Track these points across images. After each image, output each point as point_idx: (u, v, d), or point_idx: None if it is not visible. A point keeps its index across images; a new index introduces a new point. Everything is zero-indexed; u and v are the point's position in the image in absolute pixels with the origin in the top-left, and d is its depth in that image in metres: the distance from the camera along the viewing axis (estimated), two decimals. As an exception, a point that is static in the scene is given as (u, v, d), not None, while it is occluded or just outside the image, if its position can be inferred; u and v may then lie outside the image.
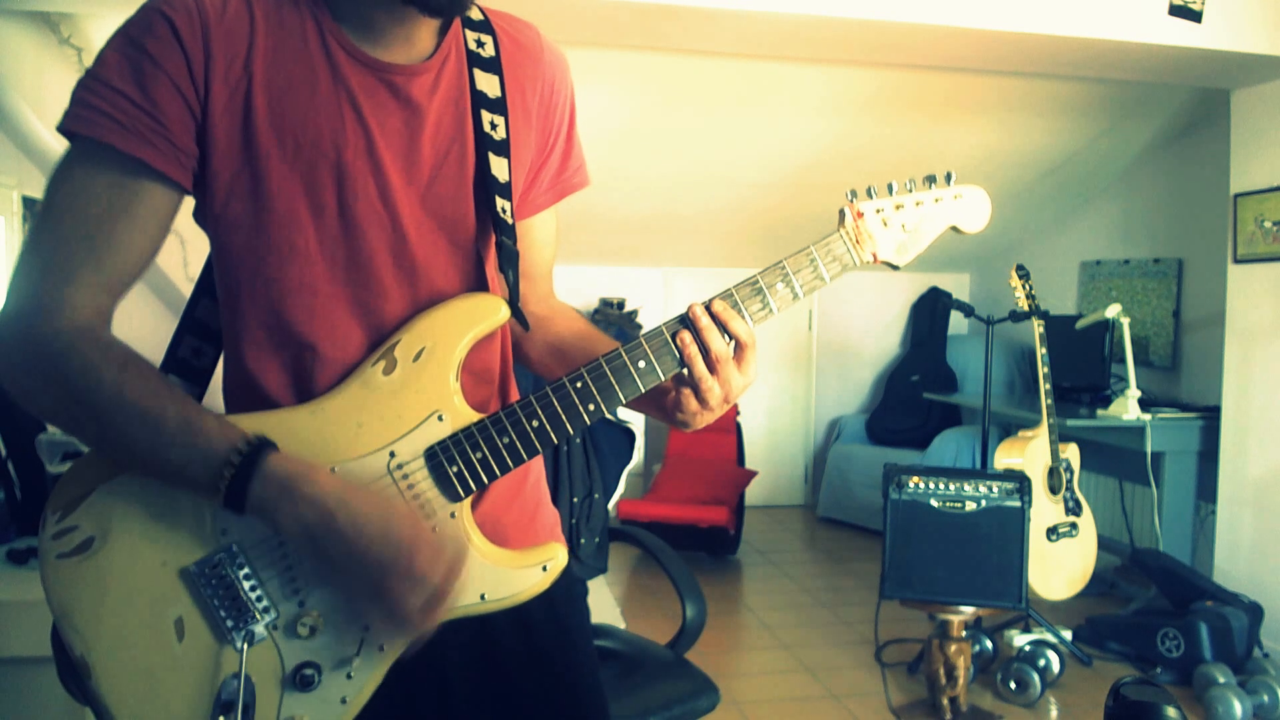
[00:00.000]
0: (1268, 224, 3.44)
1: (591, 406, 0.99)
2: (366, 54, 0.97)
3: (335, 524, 0.87)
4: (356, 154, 0.95)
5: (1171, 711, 1.64)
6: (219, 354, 1.06)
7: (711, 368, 1.00)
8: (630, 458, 2.50)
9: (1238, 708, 2.88)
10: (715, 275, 5.67)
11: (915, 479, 2.98)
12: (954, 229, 1.13)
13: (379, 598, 0.89)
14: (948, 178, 1.11)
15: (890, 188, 1.09)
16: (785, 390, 5.90)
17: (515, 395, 1.11)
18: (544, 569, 1.00)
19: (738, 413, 5.24)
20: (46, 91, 3.20)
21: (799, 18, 2.79)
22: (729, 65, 3.71)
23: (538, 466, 1.16)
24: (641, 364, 1.00)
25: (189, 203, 0.98)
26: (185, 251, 4.46)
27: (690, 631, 2.12)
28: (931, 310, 5.76)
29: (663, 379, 1.01)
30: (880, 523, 3.04)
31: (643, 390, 1.00)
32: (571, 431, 0.99)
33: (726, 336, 1.01)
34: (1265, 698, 2.98)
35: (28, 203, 3.36)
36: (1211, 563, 3.71)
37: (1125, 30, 2.97)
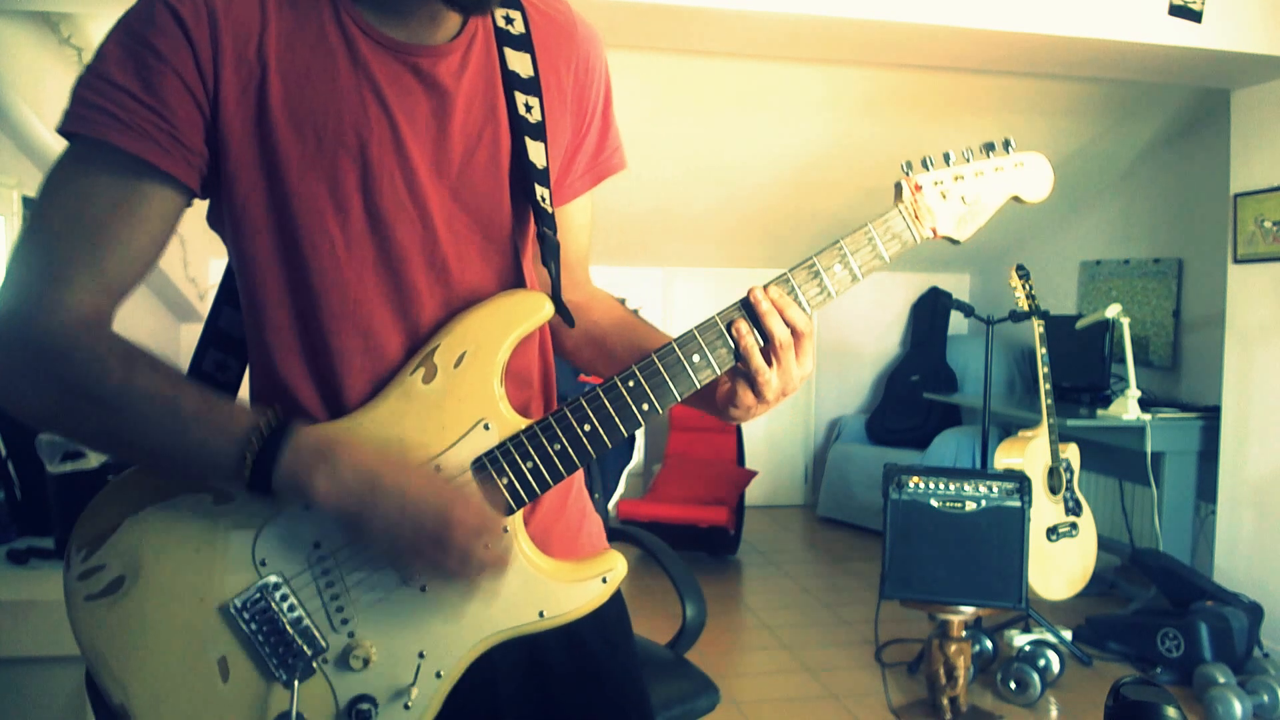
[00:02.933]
0: (1268, 224, 3.44)
1: (645, 406, 0.93)
2: (387, 36, 0.90)
3: (381, 488, 0.83)
4: (381, 146, 0.89)
5: (1171, 711, 1.63)
6: (244, 367, 1.00)
7: (769, 359, 0.95)
8: (630, 458, 2.50)
9: (1238, 708, 2.88)
10: (715, 275, 5.68)
11: (915, 479, 2.98)
12: (1016, 199, 1.07)
13: (436, 554, 0.85)
14: (1006, 145, 1.06)
15: (947, 158, 1.03)
16: (785, 390, 5.89)
17: (555, 397, 1.06)
18: (604, 580, 0.95)
19: (738, 413, 5.23)
20: (46, 91, 3.20)
21: (799, 18, 2.79)
22: (729, 65, 3.71)
23: (579, 476, 1.09)
24: (696, 358, 0.94)
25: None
26: (185, 251, 4.46)
27: (690, 631, 2.12)
28: (931, 310, 5.76)
29: (718, 373, 0.95)
30: (880, 523, 3.04)
31: (698, 386, 0.94)
32: (625, 434, 0.93)
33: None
34: (1265, 698, 2.98)
35: (28, 203, 3.36)
36: (1211, 563, 3.71)
37: (1125, 30, 2.97)
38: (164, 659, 0.87)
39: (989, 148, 1.05)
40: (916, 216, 1.01)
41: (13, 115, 3.09)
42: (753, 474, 4.92)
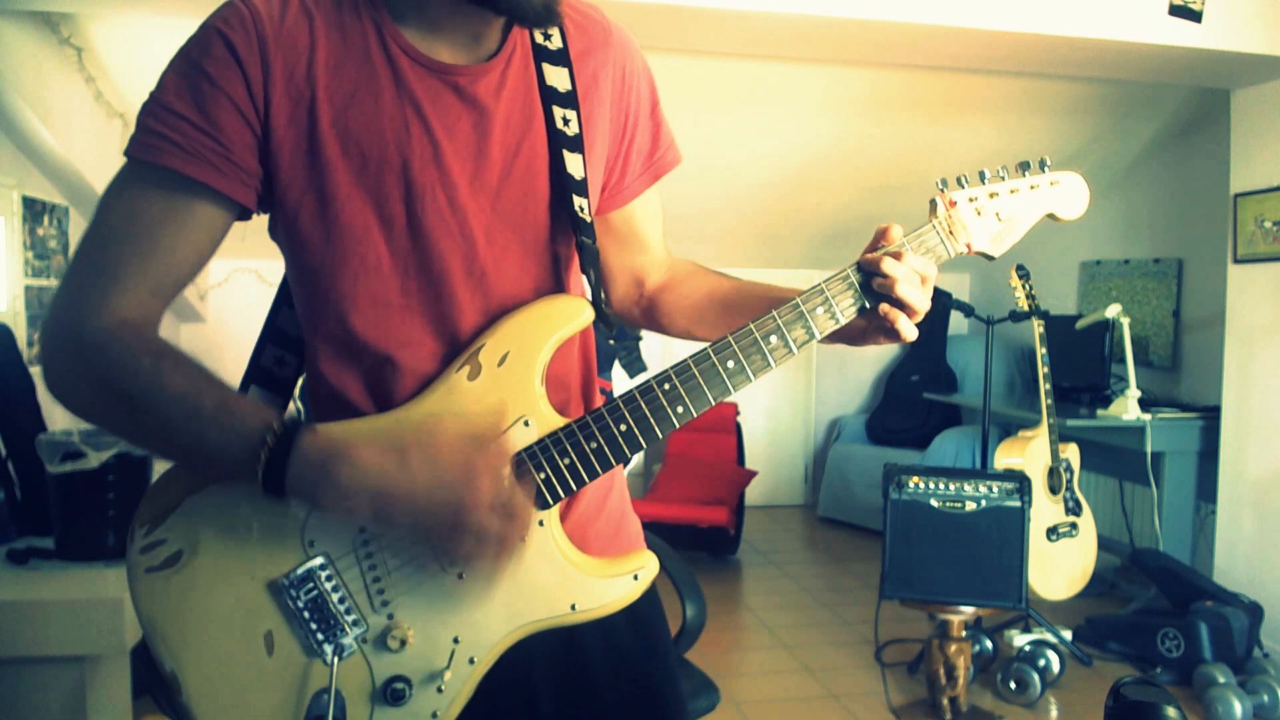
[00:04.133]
0: (1268, 224, 3.44)
1: (680, 409, 0.96)
2: (429, 57, 0.95)
3: (389, 499, 0.86)
4: (423, 163, 0.94)
5: (1171, 711, 1.63)
6: (301, 362, 1.05)
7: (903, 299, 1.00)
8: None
9: (1238, 708, 2.88)
10: (715, 275, 5.66)
11: (915, 479, 2.98)
12: (1051, 217, 1.10)
13: (453, 539, 0.87)
14: (1042, 164, 1.09)
15: (982, 176, 1.06)
16: (785, 390, 5.90)
17: (598, 400, 1.09)
18: (635, 578, 0.99)
19: (738, 413, 5.24)
20: (46, 91, 3.20)
21: (799, 18, 2.79)
22: (728, 65, 3.71)
23: (620, 478, 1.14)
24: (730, 364, 0.97)
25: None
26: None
27: (690, 631, 2.12)
28: (931, 310, 5.70)
29: (753, 379, 0.99)
30: (880, 523, 3.04)
31: (732, 391, 0.98)
32: (660, 435, 0.96)
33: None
34: (1265, 698, 2.98)
35: (28, 203, 3.36)
36: (1211, 563, 3.71)
37: (1125, 30, 2.97)
38: (214, 631, 0.91)
39: (1024, 166, 1.08)
40: (951, 232, 1.04)
41: (13, 115, 3.09)
42: (753, 474, 4.92)
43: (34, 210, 3.41)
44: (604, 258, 1.17)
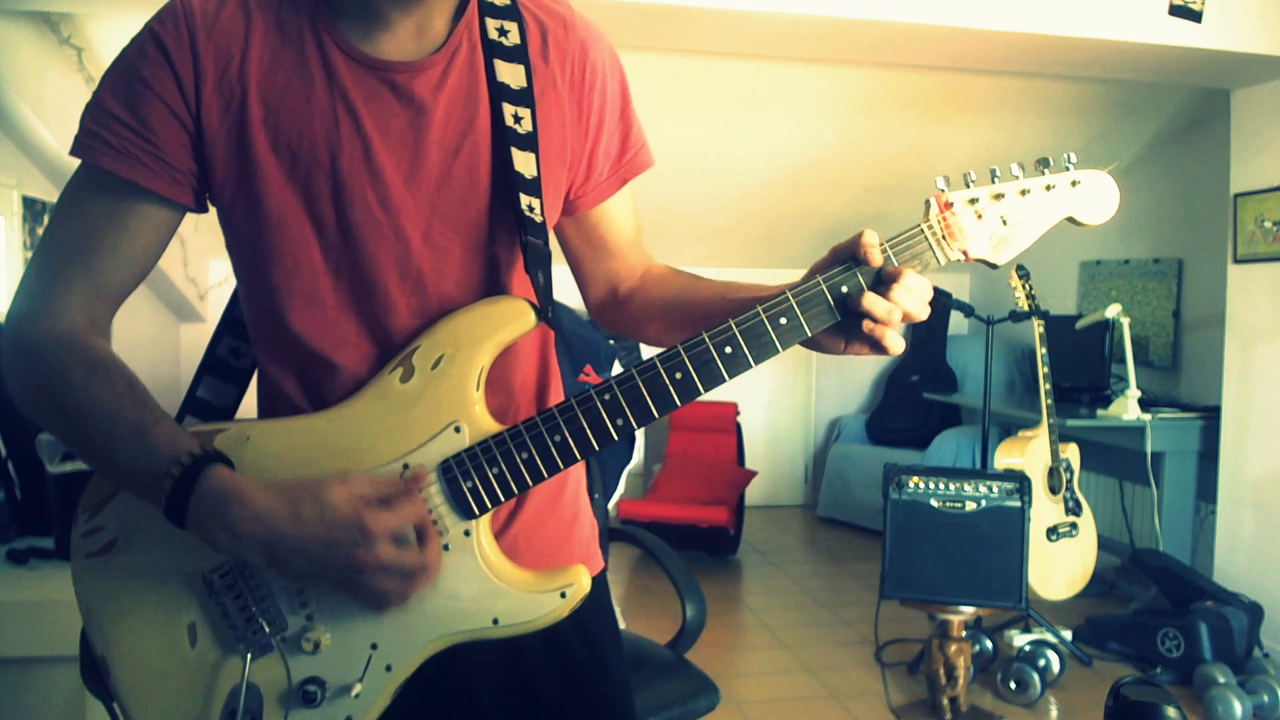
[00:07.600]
0: (1268, 224, 3.44)
1: (620, 421, 0.91)
2: (366, 54, 0.92)
3: (280, 547, 0.85)
4: (353, 161, 0.92)
5: (1171, 711, 1.63)
6: None
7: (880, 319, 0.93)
8: (630, 458, 2.49)
9: (1238, 708, 2.88)
10: (712, 275, 5.66)
11: (915, 479, 2.98)
12: (1071, 220, 0.99)
13: (347, 589, 0.88)
14: (1067, 161, 0.97)
15: (993, 174, 0.96)
16: (785, 390, 5.90)
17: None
18: (562, 595, 0.93)
19: (737, 413, 5.24)
20: (46, 91, 3.20)
21: (799, 18, 2.79)
22: (728, 65, 3.71)
23: (577, 476, 1.10)
24: (678, 375, 0.92)
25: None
26: (185, 252, 4.47)
27: (690, 631, 2.12)
28: (931, 310, 5.74)
29: (702, 392, 0.93)
30: (880, 523, 3.04)
31: (679, 404, 0.92)
32: (597, 448, 0.91)
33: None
34: (1265, 698, 2.98)
35: (28, 203, 3.35)
36: (1211, 563, 3.71)
37: (1125, 30, 2.97)
38: (142, 618, 0.93)
39: (1043, 164, 0.97)
40: (944, 237, 0.95)
41: (13, 115, 3.09)
42: (753, 474, 4.92)
43: (34, 210, 3.41)
44: (579, 263, 1.13)
